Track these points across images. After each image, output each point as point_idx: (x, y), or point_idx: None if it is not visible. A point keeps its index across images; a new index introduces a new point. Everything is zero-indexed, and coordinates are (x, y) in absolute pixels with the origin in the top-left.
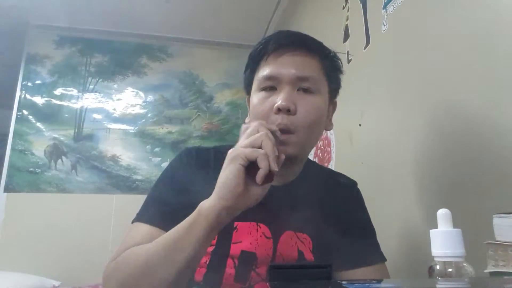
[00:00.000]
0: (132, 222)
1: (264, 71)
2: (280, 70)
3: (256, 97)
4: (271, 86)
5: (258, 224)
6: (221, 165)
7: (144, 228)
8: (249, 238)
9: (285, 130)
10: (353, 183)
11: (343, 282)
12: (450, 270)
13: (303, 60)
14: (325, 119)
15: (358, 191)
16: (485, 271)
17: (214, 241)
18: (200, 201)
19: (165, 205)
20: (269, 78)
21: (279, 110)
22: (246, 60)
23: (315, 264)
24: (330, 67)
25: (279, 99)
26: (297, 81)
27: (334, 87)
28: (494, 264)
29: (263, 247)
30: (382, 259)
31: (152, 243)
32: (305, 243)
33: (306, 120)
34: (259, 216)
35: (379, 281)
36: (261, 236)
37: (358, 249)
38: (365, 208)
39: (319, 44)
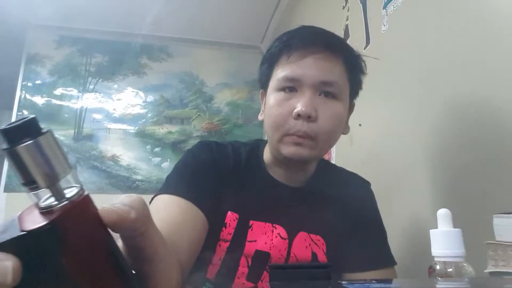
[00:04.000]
0: (155, 196)
1: (285, 70)
2: (303, 72)
3: (273, 97)
4: (291, 87)
5: (274, 225)
6: (241, 163)
7: (172, 200)
8: (264, 238)
9: (302, 136)
10: (366, 184)
11: (343, 282)
12: (450, 270)
13: (328, 63)
14: (343, 125)
15: (371, 192)
16: (485, 271)
17: (230, 237)
18: (215, 198)
19: (195, 183)
20: (290, 79)
21: (299, 115)
22: (247, 60)
23: (315, 264)
24: (354, 69)
25: (299, 105)
26: (320, 85)
27: (355, 90)
28: (494, 264)
29: (278, 247)
30: (392, 263)
31: None
32: (318, 245)
33: (326, 127)
34: (275, 216)
35: (379, 281)
36: (276, 236)
37: (370, 252)
38: (378, 210)
39: (344, 44)
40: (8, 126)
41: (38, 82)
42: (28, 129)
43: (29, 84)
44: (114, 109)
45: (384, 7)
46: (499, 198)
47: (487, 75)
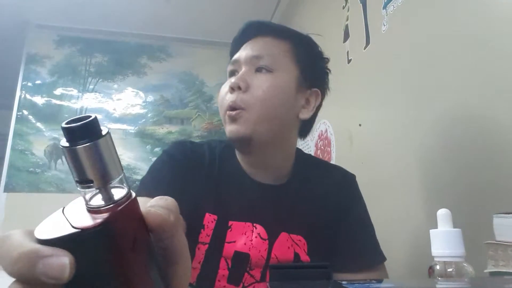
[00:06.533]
0: None
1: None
2: (240, 53)
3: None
4: (233, 70)
5: (254, 224)
6: (215, 161)
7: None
8: (243, 238)
9: (233, 107)
10: (350, 178)
11: (343, 282)
12: (450, 270)
13: (264, 42)
14: (292, 102)
15: (355, 185)
16: (485, 271)
17: (208, 240)
18: (192, 200)
19: (166, 183)
20: (232, 63)
21: (232, 89)
22: None
23: (315, 264)
24: (303, 52)
25: (232, 79)
26: (254, 60)
27: (308, 74)
28: (494, 264)
29: (258, 248)
30: (381, 259)
31: None
32: (300, 245)
33: (258, 96)
34: (256, 216)
35: (379, 281)
36: (256, 237)
37: (355, 252)
38: (363, 204)
39: (291, 30)
40: (71, 125)
41: (38, 82)
42: (90, 129)
43: (29, 84)
44: (114, 109)
45: (384, 7)
46: (499, 198)
47: (487, 75)
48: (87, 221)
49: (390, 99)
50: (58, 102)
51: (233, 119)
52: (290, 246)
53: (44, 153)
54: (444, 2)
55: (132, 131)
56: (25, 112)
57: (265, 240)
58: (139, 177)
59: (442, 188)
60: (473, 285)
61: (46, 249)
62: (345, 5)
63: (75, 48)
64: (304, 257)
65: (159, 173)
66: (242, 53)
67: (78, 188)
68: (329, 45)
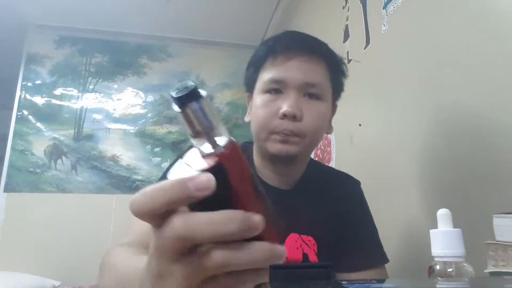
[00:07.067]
0: None
1: (270, 73)
2: (288, 74)
3: (260, 99)
4: (276, 89)
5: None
6: None
7: None
8: None
9: (288, 134)
10: (355, 184)
11: (343, 282)
12: (450, 270)
13: (311, 65)
14: (327, 124)
15: (360, 191)
16: (485, 271)
17: None
18: None
19: None
20: (276, 81)
21: (284, 115)
22: (246, 60)
23: (315, 264)
24: (336, 72)
25: (285, 105)
26: (305, 87)
27: (337, 92)
28: (494, 264)
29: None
30: (384, 260)
31: (113, 267)
32: (309, 245)
33: (311, 126)
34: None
35: (379, 281)
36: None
37: (361, 252)
38: (368, 208)
39: (327, 48)
40: (179, 95)
41: (38, 82)
42: (193, 94)
43: (29, 84)
44: (114, 109)
45: (384, 7)
46: (499, 198)
47: (487, 74)
48: (203, 164)
49: (390, 99)
50: (58, 102)
51: (285, 141)
52: (299, 247)
53: (44, 153)
54: (444, 2)
55: (132, 131)
56: (25, 112)
57: None
58: (139, 177)
59: (442, 188)
60: (473, 285)
61: (190, 175)
62: (345, 5)
63: (75, 48)
64: (313, 258)
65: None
66: (292, 76)
67: (192, 141)
68: (329, 45)
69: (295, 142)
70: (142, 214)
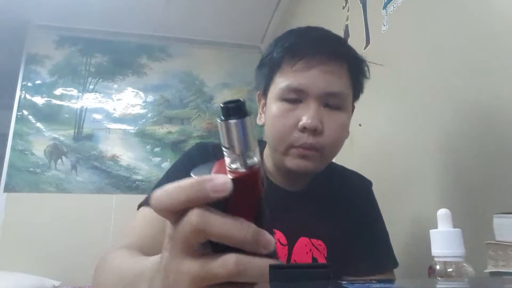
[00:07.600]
0: (138, 209)
1: (288, 79)
2: (309, 83)
3: (276, 107)
4: (295, 98)
5: (274, 230)
6: None
7: (145, 212)
8: None
9: (308, 148)
10: (368, 185)
11: (343, 282)
12: (450, 270)
13: (333, 73)
14: (347, 134)
15: (372, 193)
16: (485, 271)
17: None
18: None
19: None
20: (294, 90)
21: (305, 128)
22: (246, 60)
23: (315, 264)
24: (358, 74)
25: (305, 117)
26: (326, 97)
27: (357, 93)
28: (494, 264)
29: (278, 254)
30: (394, 265)
31: (115, 266)
32: (319, 249)
33: (332, 140)
34: (274, 221)
35: (379, 281)
36: (275, 243)
37: (371, 257)
38: (379, 211)
39: (350, 50)
40: (228, 105)
41: (38, 82)
42: (239, 109)
43: (29, 84)
44: (114, 109)
45: (384, 7)
46: (499, 198)
47: (487, 75)
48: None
49: (390, 99)
50: (58, 102)
51: (304, 156)
52: (309, 251)
53: (44, 153)
54: (444, 2)
55: (132, 131)
56: (25, 112)
57: (284, 245)
58: (139, 177)
59: (442, 188)
60: (473, 285)
61: (209, 176)
62: (345, 5)
63: (75, 48)
64: (322, 261)
65: (178, 174)
66: (313, 85)
67: (224, 151)
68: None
69: (314, 158)
70: (161, 210)
